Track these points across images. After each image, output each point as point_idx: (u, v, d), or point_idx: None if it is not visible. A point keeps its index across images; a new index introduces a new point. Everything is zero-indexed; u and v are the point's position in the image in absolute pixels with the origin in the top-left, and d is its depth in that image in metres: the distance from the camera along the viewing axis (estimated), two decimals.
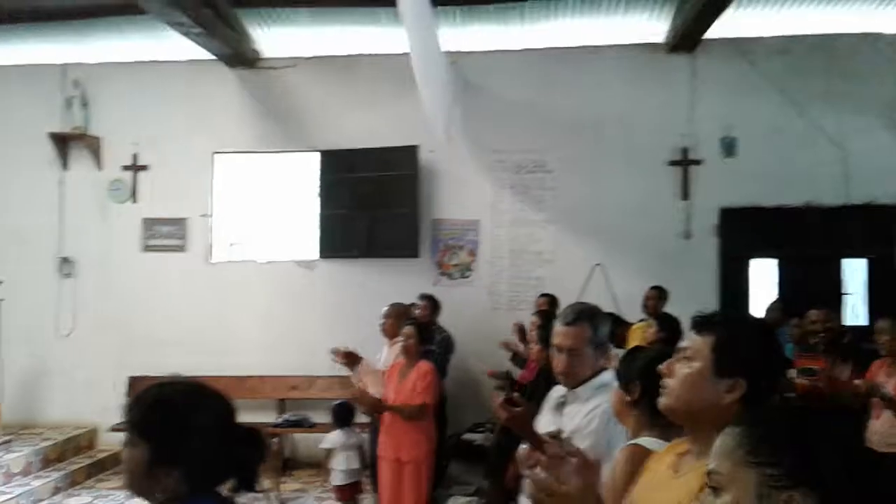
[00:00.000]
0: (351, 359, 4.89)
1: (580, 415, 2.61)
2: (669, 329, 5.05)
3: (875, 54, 7.36)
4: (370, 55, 7.90)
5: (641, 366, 2.28)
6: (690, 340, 1.76)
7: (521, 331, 6.24)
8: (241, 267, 8.10)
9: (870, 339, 5.15)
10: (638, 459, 2.03)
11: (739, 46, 7.50)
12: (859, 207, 7.28)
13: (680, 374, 1.73)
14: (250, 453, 1.70)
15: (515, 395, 2.71)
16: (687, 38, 7.28)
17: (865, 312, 7.41)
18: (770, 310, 6.58)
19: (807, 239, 7.38)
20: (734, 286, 7.59)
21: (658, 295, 6.69)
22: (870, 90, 7.37)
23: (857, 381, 4.53)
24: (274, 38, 7.89)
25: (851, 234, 7.34)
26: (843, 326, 6.15)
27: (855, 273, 7.55)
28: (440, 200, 7.90)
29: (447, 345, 6.54)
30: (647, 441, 2.13)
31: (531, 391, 3.99)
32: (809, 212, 7.34)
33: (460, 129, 7.73)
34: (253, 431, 1.72)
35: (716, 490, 1.23)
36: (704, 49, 7.51)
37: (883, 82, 7.36)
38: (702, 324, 1.76)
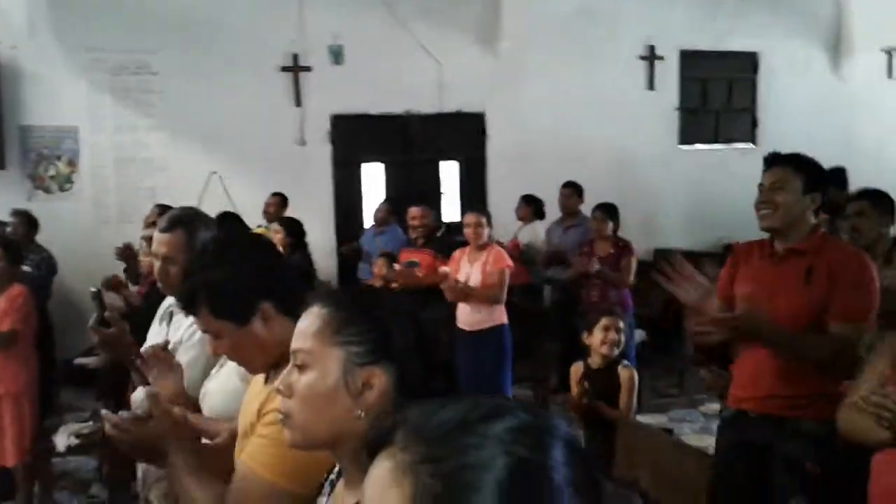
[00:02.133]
0: None
1: (185, 325, 2.60)
2: (295, 233, 5.49)
3: None
4: None
5: None
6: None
7: (128, 251, 5.67)
8: None
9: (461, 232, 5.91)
10: None
11: None
12: (452, 115, 8.09)
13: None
14: None
15: (107, 314, 2.59)
16: None
17: (459, 209, 8.39)
18: (378, 210, 7.10)
19: (409, 144, 8.06)
20: (348, 190, 8.04)
21: (280, 201, 6.85)
22: (463, 8, 8.03)
23: (442, 269, 5.15)
24: None
25: (446, 139, 8.17)
26: (440, 222, 6.93)
27: (450, 174, 8.46)
28: (29, 105, 6.97)
29: (48, 265, 5.95)
30: None
31: (147, 305, 3.84)
32: (411, 119, 7.99)
33: (47, 22, 6.84)
34: None
35: (301, 368, 1.29)
36: None
37: (474, 1, 8.09)
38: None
